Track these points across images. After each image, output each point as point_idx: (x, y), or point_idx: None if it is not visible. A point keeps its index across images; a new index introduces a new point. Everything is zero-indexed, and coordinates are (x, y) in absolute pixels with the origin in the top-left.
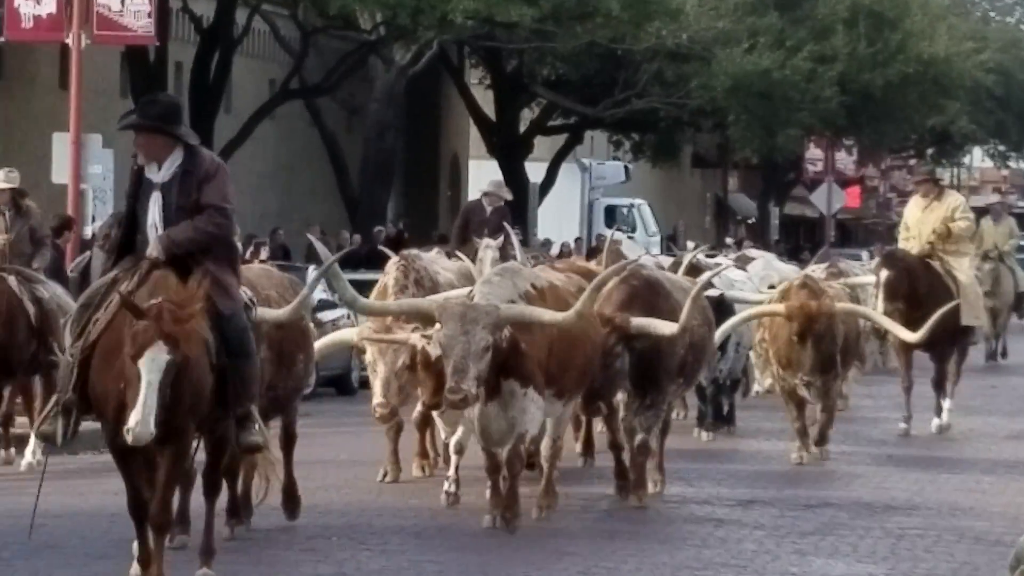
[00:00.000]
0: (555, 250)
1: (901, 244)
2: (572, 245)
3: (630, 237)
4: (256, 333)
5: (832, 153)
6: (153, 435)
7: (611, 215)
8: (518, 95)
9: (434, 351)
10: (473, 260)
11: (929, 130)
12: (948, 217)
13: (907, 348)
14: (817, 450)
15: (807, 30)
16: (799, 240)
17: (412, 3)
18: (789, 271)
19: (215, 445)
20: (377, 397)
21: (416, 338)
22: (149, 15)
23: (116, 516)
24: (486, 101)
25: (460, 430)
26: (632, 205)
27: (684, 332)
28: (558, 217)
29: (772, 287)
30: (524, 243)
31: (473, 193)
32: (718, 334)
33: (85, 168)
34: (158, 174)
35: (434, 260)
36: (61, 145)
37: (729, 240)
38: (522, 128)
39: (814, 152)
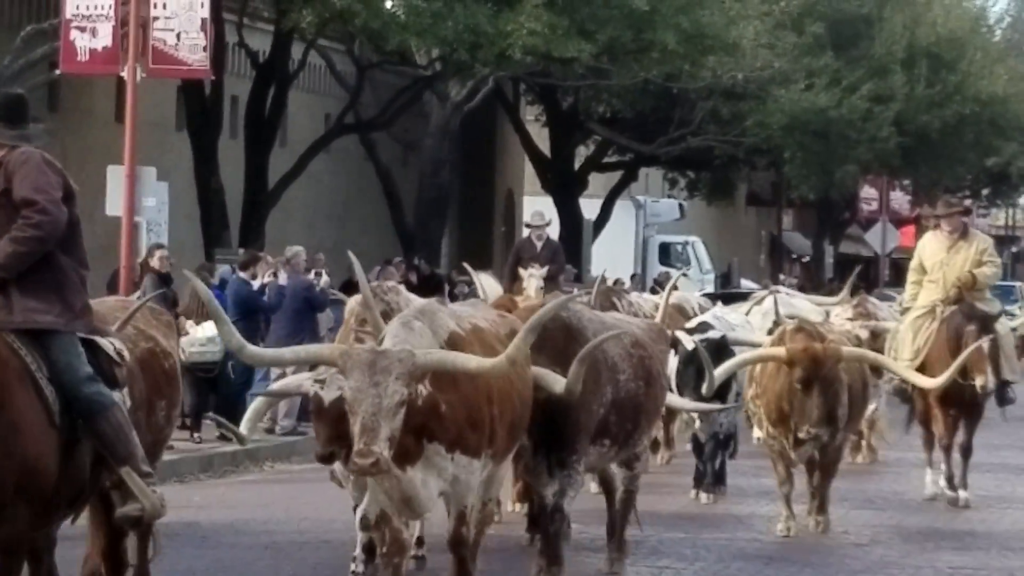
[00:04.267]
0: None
1: (910, 287)
2: (628, 283)
3: (684, 275)
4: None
5: (887, 192)
6: None
7: (665, 252)
8: (573, 132)
9: (327, 395)
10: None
11: (985, 170)
12: (976, 260)
13: (945, 405)
14: (814, 520)
15: (864, 70)
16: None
17: (471, 38)
18: (810, 309)
19: (112, 527)
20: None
21: (307, 384)
22: (204, 49)
23: (165, 549)
24: (541, 138)
25: (366, 500)
26: (686, 242)
27: (572, 392)
28: (612, 254)
29: (777, 326)
30: (578, 279)
31: (526, 230)
32: (720, 371)
33: (139, 201)
34: None
35: (410, 299)
36: (115, 178)
37: (783, 277)
38: (577, 165)
39: (869, 191)
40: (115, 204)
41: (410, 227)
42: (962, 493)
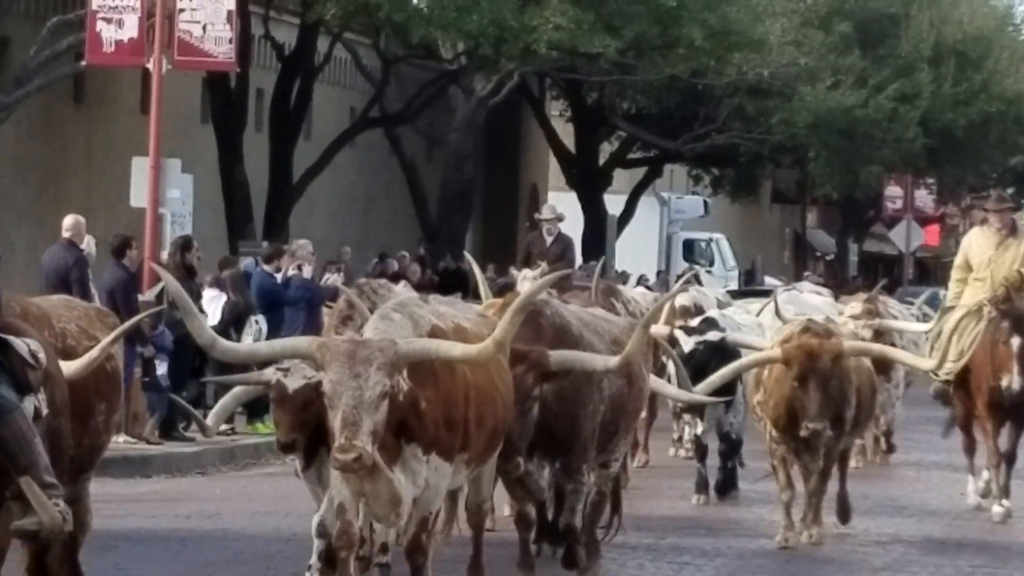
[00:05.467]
0: (632, 282)
1: (954, 284)
2: (653, 279)
3: (708, 271)
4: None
5: (911, 191)
6: None
7: (689, 249)
8: (598, 128)
9: (291, 383)
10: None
11: (1010, 169)
12: None
13: (996, 409)
14: (807, 533)
15: (890, 69)
16: (877, 277)
17: (495, 33)
18: (821, 306)
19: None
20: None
21: (270, 372)
22: (230, 41)
23: (187, 540)
24: (566, 133)
25: (324, 505)
26: (711, 239)
27: (633, 361)
28: (636, 250)
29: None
30: (602, 275)
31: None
32: (705, 386)
33: (164, 192)
34: None
35: (401, 293)
36: (140, 169)
37: (807, 275)
38: (601, 160)
39: (893, 190)
40: (139, 195)
41: (434, 221)
42: (1005, 503)
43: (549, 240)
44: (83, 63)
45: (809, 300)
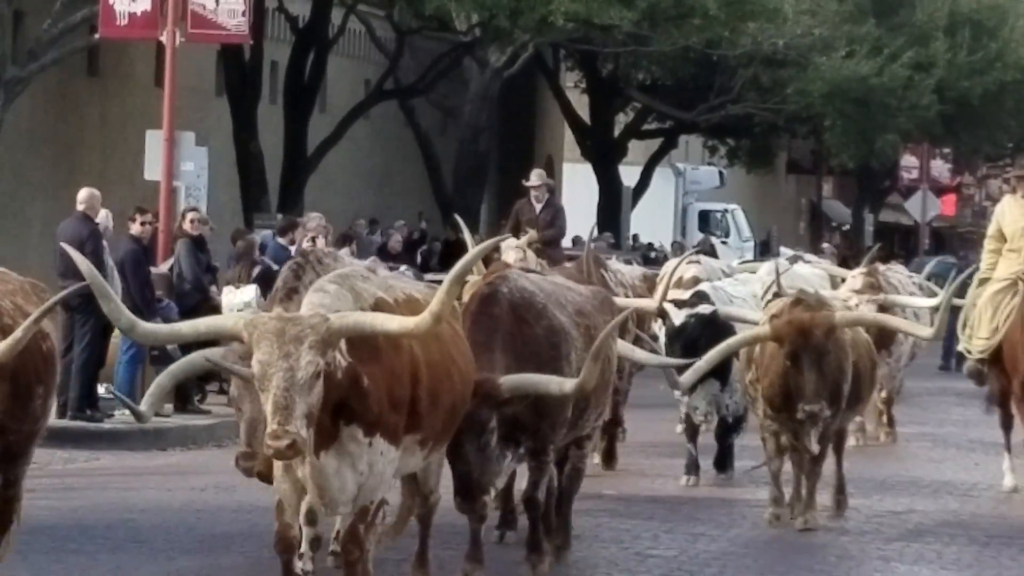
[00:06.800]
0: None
1: (988, 255)
2: (668, 249)
3: (723, 242)
4: None
5: (927, 160)
6: None
7: (705, 220)
8: (613, 99)
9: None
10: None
11: None
12: None
13: None
14: (801, 519)
15: (905, 37)
16: (893, 247)
17: (511, 4)
18: (810, 277)
19: None
20: (242, 445)
21: (199, 360)
22: (243, 14)
23: (202, 512)
24: (581, 104)
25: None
26: (726, 210)
27: (586, 389)
28: (651, 221)
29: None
30: (616, 246)
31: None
32: (692, 372)
33: (178, 165)
34: None
35: (347, 262)
36: (154, 142)
37: (825, 246)
38: (616, 132)
39: (909, 159)
40: (154, 169)
41: (449, 193)
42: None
43: (538, 207)
44: (97, 36)
45: (803, 272)
